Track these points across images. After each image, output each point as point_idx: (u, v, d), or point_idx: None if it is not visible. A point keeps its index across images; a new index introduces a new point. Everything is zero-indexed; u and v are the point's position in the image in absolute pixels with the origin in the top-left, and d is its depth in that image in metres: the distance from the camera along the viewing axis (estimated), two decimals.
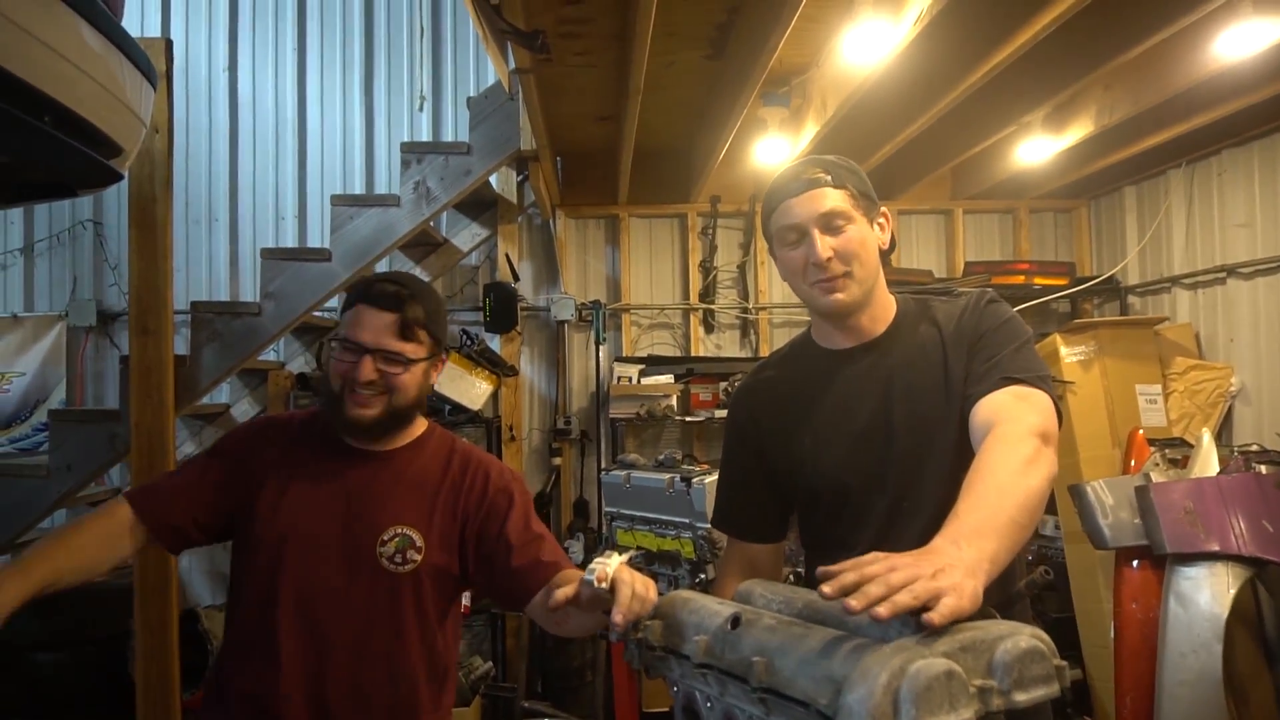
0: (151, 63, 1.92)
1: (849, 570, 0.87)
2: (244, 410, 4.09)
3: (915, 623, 0.87)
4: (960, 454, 1.29)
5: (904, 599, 0.84)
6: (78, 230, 4.31)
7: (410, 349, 1.47)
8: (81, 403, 4.22)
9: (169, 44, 2.88)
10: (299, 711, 1.44)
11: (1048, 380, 1.30)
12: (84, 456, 3.11)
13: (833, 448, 1.41)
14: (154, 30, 4.34)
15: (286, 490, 1.50)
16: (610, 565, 1.17)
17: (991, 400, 1.27)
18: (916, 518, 1.33)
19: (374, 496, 1.51)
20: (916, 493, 1.35)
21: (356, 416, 1.47)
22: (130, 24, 4.27)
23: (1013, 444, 1.16)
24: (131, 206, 2.87)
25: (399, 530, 1.50)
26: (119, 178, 1.84)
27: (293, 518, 1.48)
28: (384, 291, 1.47)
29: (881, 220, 1.43)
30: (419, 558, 1.49)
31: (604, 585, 1.15)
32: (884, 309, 1.44)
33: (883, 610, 0.82)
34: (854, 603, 0.83)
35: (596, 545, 3.71)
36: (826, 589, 0.86)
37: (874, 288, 1.41)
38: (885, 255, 1.44)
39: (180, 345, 3.54)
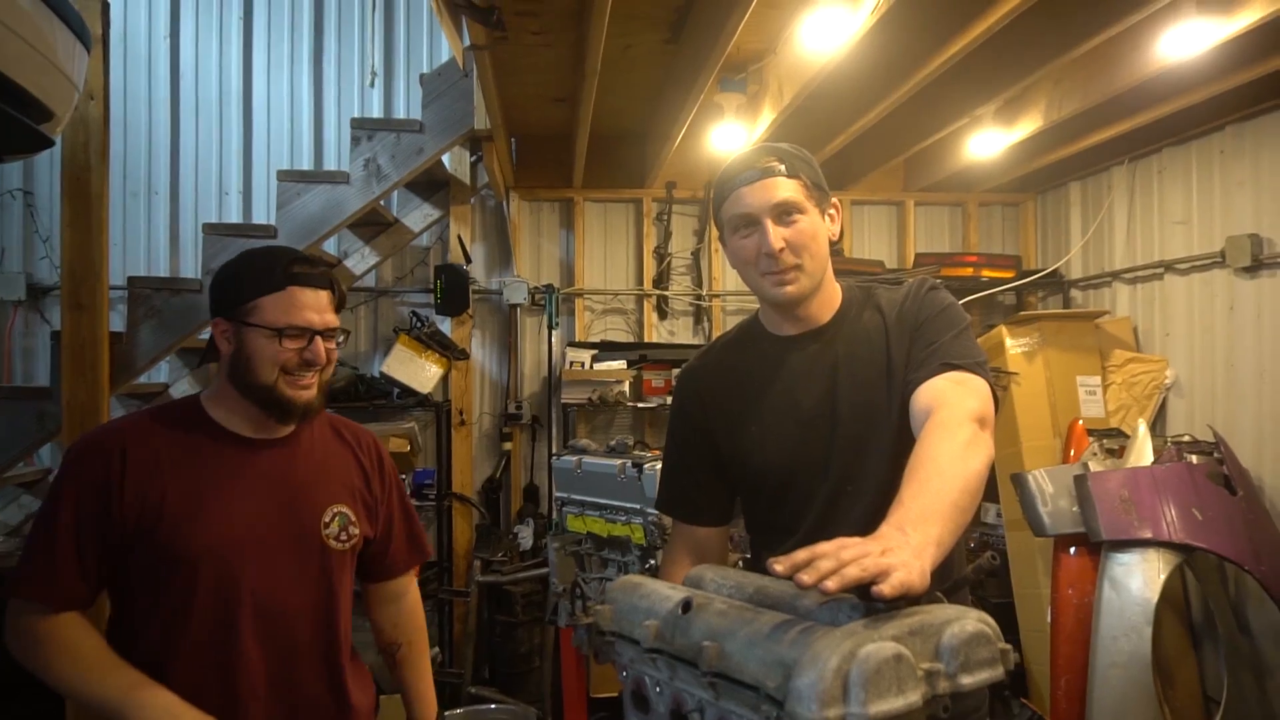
0: (85, 24, 1.83)
1: (800, 550, 0.88)
2: (183, 389, 3.97)
3: (865, 607, 0.87)
4: (901, 438, 1.31)
5: (853, 572, 0.84)
6: (6, 200, 4.12)
7: (339, 323, 1.49)
8: (9, 380, 4.05)
9: (105, 6, 2.75)
10: (265, 712, 1.42)
11: (985, 366, 1.33)
12: (11, 436, 2.98)
13: (778, 433, 1.42)
14: None
15: (196, 498, 1.40)
16: None
17: (931, 386, 1.29)
18: (859, 501, 1.36)
19: (300, 480, 1.49)
20: (859, 477, 1.37)
21: (297, 399, 1.44)
22: None
23: (952, 429, 1.18)
24: (64, 176, 2.75)
25: (336, 509, 1.52)
26: (49, 143, 1.76)
27: (220, 523, 1.40)
28: (311, 271, 1.45)
29: (832, 211, 1.44)
30: (356, 532, 1.54)
31: None
32: (831, 297, 1.46)
33: (831, 584, 0.82)
34: (805, 577, 0.83)
35: (547, 531, 3.69)
36: (778, 566, 0.86)
37: (823, 278, 1.42)
38: (834, 245, 1.45)
39: (117, 322, 3.43)
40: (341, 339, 1.50)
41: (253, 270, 1.45)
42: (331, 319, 1.47)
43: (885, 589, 0.84)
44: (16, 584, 1.37)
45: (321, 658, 1.49)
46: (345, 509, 1.53)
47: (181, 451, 1.43)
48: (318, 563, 1.48)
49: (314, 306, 1.44)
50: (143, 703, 1.28)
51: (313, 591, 1.48)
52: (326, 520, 1.50)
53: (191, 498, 1.40)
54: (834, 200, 1.45)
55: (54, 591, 1.36)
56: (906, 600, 0.87)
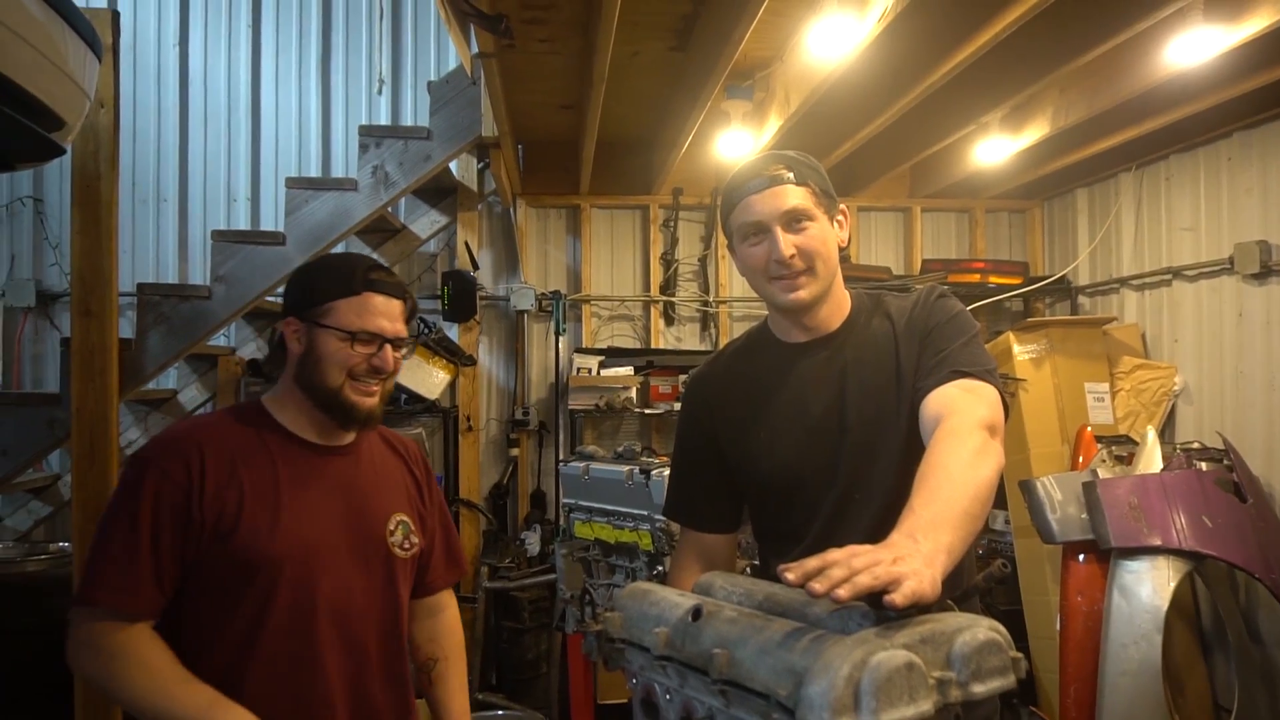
0: (97, 33, 1.85)
1: (811, 558, 0.88)
2: (192, 396, 3.98)
3: (876, 615, 0.87)
4: (910, 445, 1.31)
5: (865, 580, 0.84)
6: (16, 207, 4.14)
7: (408, 334, 1.50)
8: (19, 386, 4.07)
9: (116, 15, 2.77)
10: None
11: (994, 373, 1.33)
12: (21, 441, 2.99)
13: (787, 440, 1.42)
14: (101, 1, 4.20)
15: (272, 504, 1.38)
16: None
17: (941, 393, 1.29)
18: (867, 508, 1.35)
19: (364, 488, 1.50)
20: (867, 484, 1.36)
21: (360, 405, 1.44)
22: None
23: (962, 437, 1.17)
24: (75, 184, 2.76)
25: (399, 518, 1.53)
26: (60, 152, 1.77)
27: (295, 530, 1.38)
28: (386, 279, 1.47)
29: (840, 218, 1.43)
30: (416, 541, 1.55)
31: None
32: (840, 304, 1.46)
33: (844, 592, 0.82)
34: (817, 585, 0.83)
35: (554, 537, 3.69)
36: (790, 575, 0.86)
37: (832, 284, 1.42)
38: (842, 252, 1.45)
39: (126, 328, 3.44)
40: (408, 350, 1.51)
41: (331, 273, 1.45)
42: (402, 329, 1.47)
43: (897, 598, 0.84)
44: (89, 591, 1.30)
45: (387, 668, 1.49)
46: (406, 518, 1.54)
47: (255, 455, 1.41)
48: (384, 571, 1.48)
49: (387, 314, 1.44)
50: None
51: (380, 600, 1.48)
52: (391, 528, 1.50)
53: (267, 503, 1.38)
54: (842, 206, 1.44)
55: (132, 601, 1.30)
56: (918, 609, 0.87)
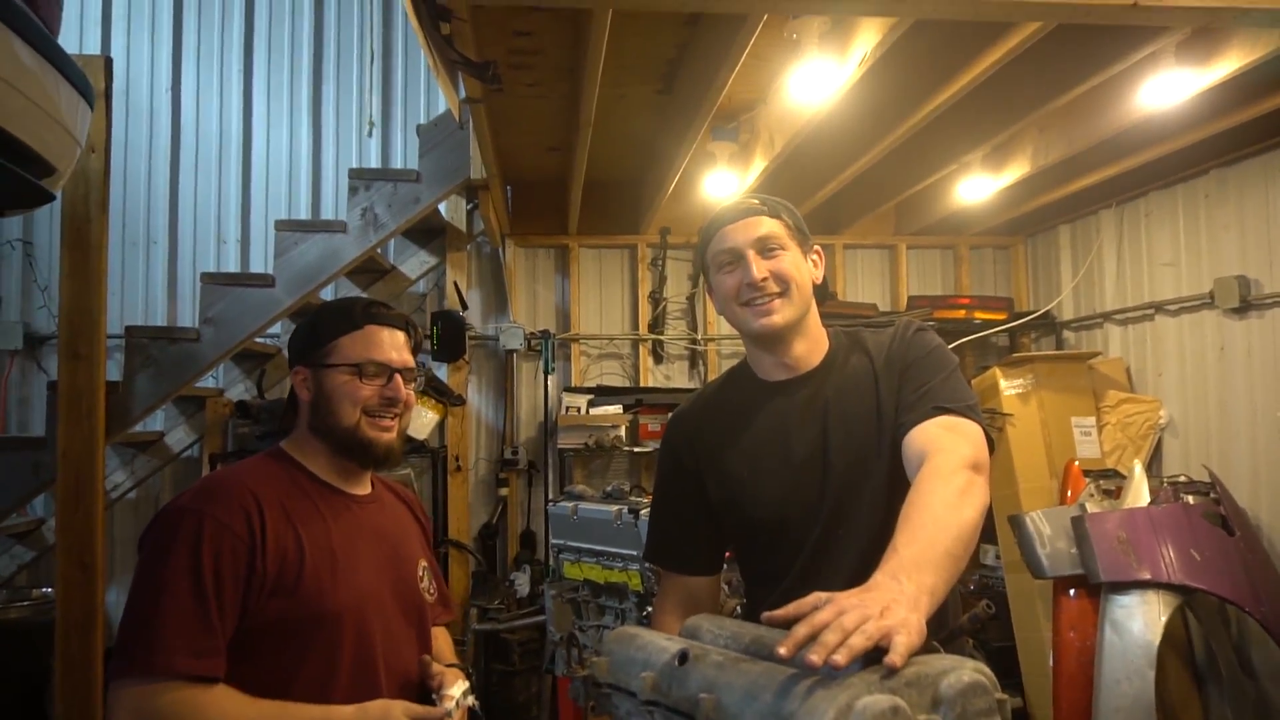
0: (89, 81, 1.88)
1: (801, 625, 0.88)
2: (179, 438, 3.96)
3: (862, 658, 0.87)
4: (892, 482, 1.32)
5: (859, 642, 0.84)
6: (5, 250, 4.15)
7: (414, 365, 1.49)
8: (4, 429, 4.04)
9: (109, 62, 2.80)
10: None
11: (976, 409, 1.34)
12: (6, 486, 2.97)
13: (771, 480, 1.42)
14: (94, 48, 4.25)
15: (329, 552, 1.35)
16: (458, 696, 1.40)
17: (924, 430, 1.29)
18: (851, 546, 1.35)
19: (393, 536, 1.49)
20: (851, 521, 1.36)
21: (379, 440, 1.42)
22: (69, 41, 4.18)
23: (946, 477, 1.18)
24: (64, 227, 2.78)
25: (423, 564, 1.54)
26: (50, 198, 1.79)
27: (353, 580, 1.36)
28: (388, 312, 1.47)
29: (815, 256, 1.46)
30: (435, 587, 1.55)
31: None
32: (818, 342, 1.47)
33: (840, 658, 0.82)
34: (814, 658, 0.83)
35: (544, 577, 3.66)
36: (782, 651, 0.86)
37: (807, 316, 1.43)
38: (820, 292, 1.48)
39: (114, 371, 3.43)
40: (420, 381, 1.51)
41: (330, 314, 1.46)
42: (409, 359, 1.46)
43: (897, 660, 0.84)
44: (157, 658, 1.17)
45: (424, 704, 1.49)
46: (425, 563, 1.54)
47: (302, 504, 1.37)
48: (418, 617, 1.48)
49: (393, 345, 1.44)
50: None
51: (417, 645, 1.48)
52: (419, 575, 1.51)
53: (325, 554, 1.34)
54: (816, 246, 1.48)
55: (216, 665, 1.21)
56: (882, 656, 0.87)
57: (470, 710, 1.43)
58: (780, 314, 1.39)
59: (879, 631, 0.86)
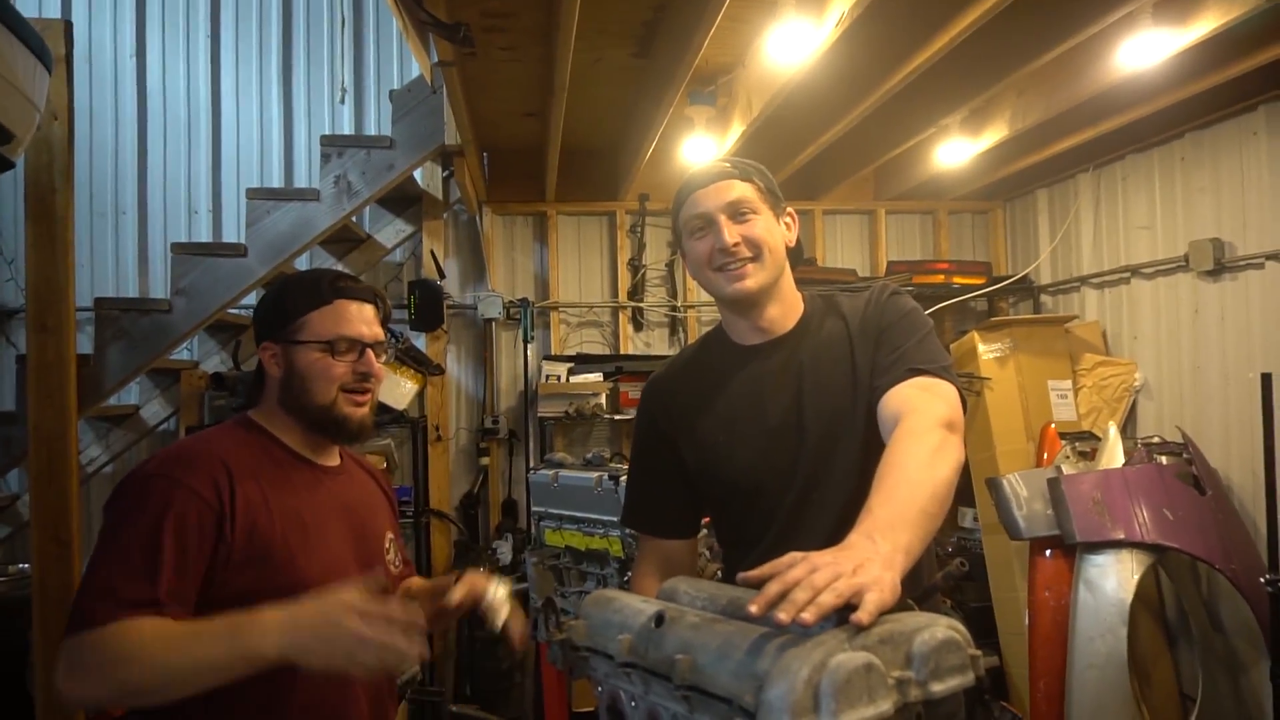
0: (46, 44, 1.82)
1: (772, 583, 0.88)
2: (155, 411, 3.92)
3: (836, 616, 0.87)
4: (867, 445, 1.32)
5: (828, 599, 0.85)
6: None
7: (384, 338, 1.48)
8: None
9: (69, 26, 2.73)
10: None
11: (951, 370, 1.34)
12: None
13: (746, 444, 1.42)
14: (54, 12, 4.13)
15: (300, 523, 1.35)
16: (501, 592, 1.44)
17: (898, 392, 1.30)
18: (826, 509, 1.36)
19: (360, 508, 1.48)
20: (825, 485, 1.37)
21: (353, 416, 1.41)
22: (27, 6, 4.06)
23: (920, 436, 1.18)
24: (28, 197, 2.72)
25: (389, 537, 1.53)
26: (9, 165, 1.75)
27: (323, 549, 1.36)
28: (356, 285, 1.45)
29: (788, 220, 1.46)
30: (399, 559, 1.55)
31: (493, 606, 1.42)
32: (793, 306, 1.47)
33: (808, 616, 0.83)
34: (782, 615, 0.83)
35: (525, 546, 3.67)
36: (753, 609, 0.86)
37: (780, 280, 1.43)
38: (794, 255, 1.47)
39: (84, 344, 3.38)
40: (389, 354, 1.51)
41: (298, 289, 1.42)
42: (379, 332, 1.45)
43: (864, 617, 0.84)
44: (94, 605, 1.15)
45: (389, 682, 1.49)
46: (391, 535, 1.54)
47: (274, 473, 1.36)
48: (384, 589, 1.46)
49: (362, 319, 1.43)
50: (258, 627, 1.12)
51: None
52: (386, 547, 1.51)
53: (296, 523, 1.34)
54: (790, 210, 1.47)
55: (147, 611, 1.16)
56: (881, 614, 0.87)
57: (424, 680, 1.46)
58: (753, 279, 1.38)
59: (850, 589, 0.86)
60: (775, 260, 1.41)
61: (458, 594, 1.41)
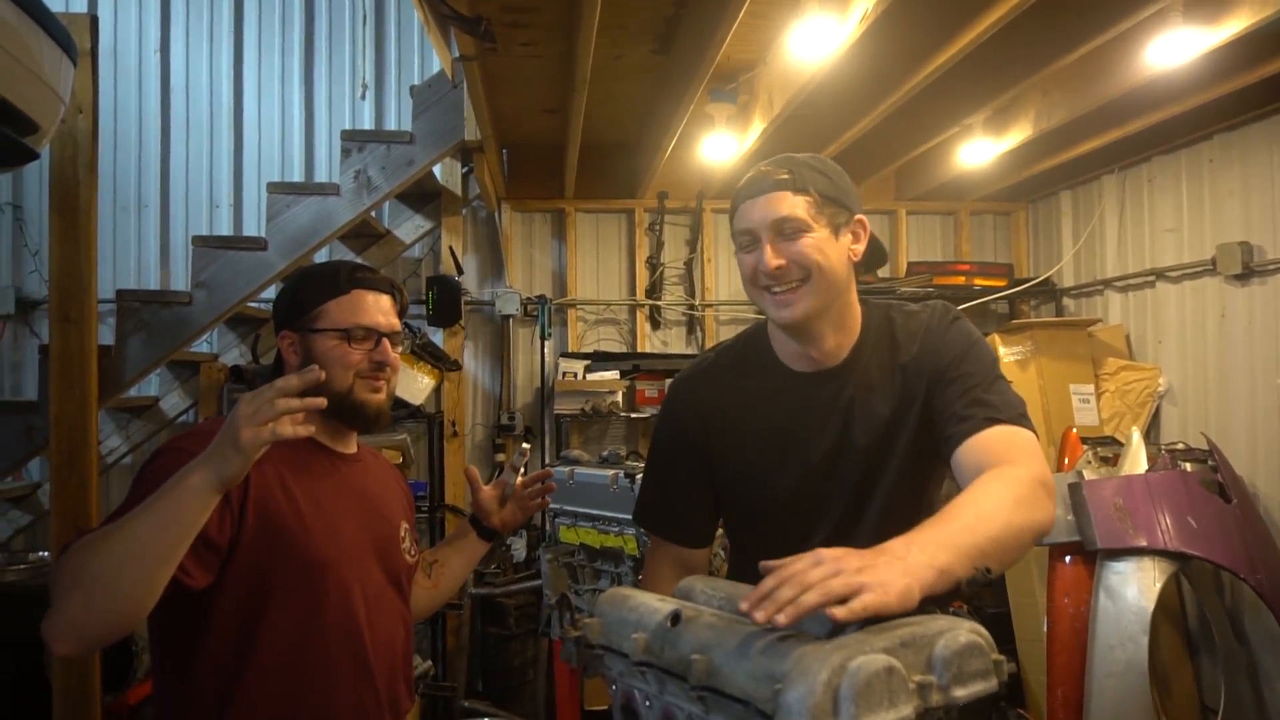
0: (71, 38, 1.83)
1: (769, 578, 0.86)
2: (174, 403, 3.95)
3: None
4: (899, 487, 1.30)
5: (810, 599, 0.82)
6: None
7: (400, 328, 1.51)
8: None
9: (94, 20, 2.75)
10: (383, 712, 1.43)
11: (1028, 418, 1.26)
12: (0, 449, 2.97)
13: (785, 475, 1.37)
14: (80, 6, 4.17)
15: (315, 504, 1.37)
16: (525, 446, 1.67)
17: (981, 443, 1.22)
18: (859, 544, 1.33)
19: (376, 496, 1.51)
20: (858, 522, 1.34)
21: (371, 402, 1.43)
22: (54, 0, 4.10)
23: (1009, 483, 1.11)
24: (53, 190, 2.74)
25: (404, 525, 1.55)
26: (34, 156, 1.75)
27: (339, 531, 1.38)
28: (374, 276, 1.47)
29: (856, 229, 1.34)
30: (414, 549, 1.57)
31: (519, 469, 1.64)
32: (849, 331, 1.36)
33: (783, 619, 0.80)
34: (759, 615, 0.81)
35: (539, 543, 3.67)
36: (743, 605, 0.84)
37: (836, 303, 1.32)
38: (869, 261, 1.37)
39: (106, 335, 3.41)
40: (406, 345, 1.52)
41: (316, 279, 1.45)
42: (395, 322, 1.47)
43: (840, 612, 0.81)
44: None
45: (405, 670, 1.50)
46: (407, 525, 1.56)
47: (292, 456, 1.38)
48: (399, 577, 1.50)
49: (379, 309, 1.44)
50: (183, 471, 1.12)
51: (399, 605, 1.50)
52: (401, 535, 1.53)
53: (313, 504, 1.37)
54: (859, 217, 1.34)
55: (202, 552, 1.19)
56: (883, 619, 0.85)
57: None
58: (800, 305, 1.28)
59: (845, 587, 0.83)
60: (828, 281, 1.28)
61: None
